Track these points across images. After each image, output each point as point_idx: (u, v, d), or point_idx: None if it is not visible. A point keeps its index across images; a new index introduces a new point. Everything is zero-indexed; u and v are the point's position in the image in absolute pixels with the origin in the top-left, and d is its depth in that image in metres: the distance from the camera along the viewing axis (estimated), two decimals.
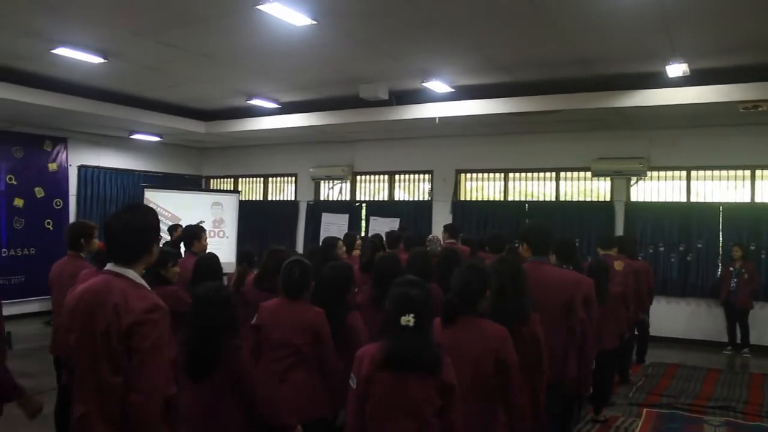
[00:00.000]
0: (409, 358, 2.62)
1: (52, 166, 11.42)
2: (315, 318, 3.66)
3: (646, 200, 10.30)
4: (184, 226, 8.07)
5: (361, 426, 2.71)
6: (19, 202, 10.85)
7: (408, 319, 2.65)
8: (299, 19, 5.97)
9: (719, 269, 9.57)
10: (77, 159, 11.88)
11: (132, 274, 2.44)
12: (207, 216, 11.77)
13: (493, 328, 3.03)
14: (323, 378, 3.65)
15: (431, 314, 2.79)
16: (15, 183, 10.80)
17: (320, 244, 6.98)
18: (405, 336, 2.65)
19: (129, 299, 2.34)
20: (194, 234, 6.33)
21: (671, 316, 9.74)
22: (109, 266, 2.46)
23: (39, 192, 11.17)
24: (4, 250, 10.60)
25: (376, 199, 12.57)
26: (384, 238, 7.65)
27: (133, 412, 2.29)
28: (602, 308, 5.26)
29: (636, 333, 7.71)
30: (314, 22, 6.07)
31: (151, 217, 2.57)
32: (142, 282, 2.45)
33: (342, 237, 7.19)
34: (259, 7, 5.67)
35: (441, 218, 11.35)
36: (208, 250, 6.01)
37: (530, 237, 4.20)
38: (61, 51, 7.30)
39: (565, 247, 4.48)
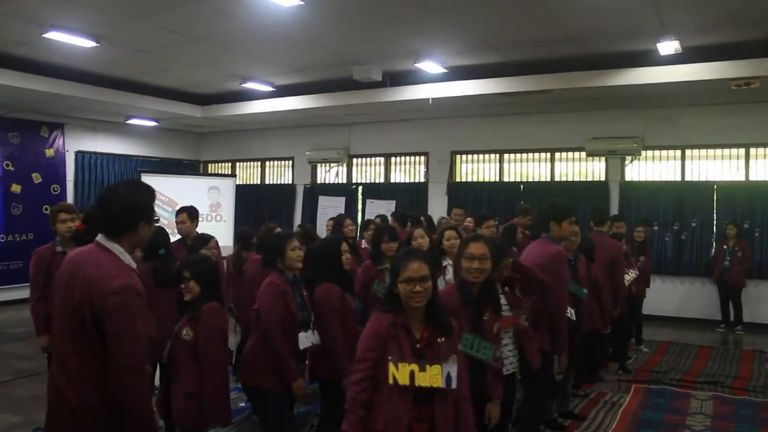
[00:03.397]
0: None
1: (49, 152, 11.46)
2: (262, 289, 3.80)
3: (640, 179, 10.31)
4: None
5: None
6: (16, 188, 10.91)
7: None
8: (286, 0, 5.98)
9: (713, 248, 9.60)
10: (74, 144, 11.93)
11: (118, 249, 2.44)
12: (204, 200, 11.81)
13: None
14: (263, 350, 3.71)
15: None
16: (12, 169, 10.86)
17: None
18: None
19: (102, 277, 2.35)
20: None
21: (666, 295, 9.76)
22: (99, 237, 2.47)
23: (36, 178, 11.23)
24: (2, 236, 10.68)
25: (373, 181, 12.61)
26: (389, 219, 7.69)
27: (121, 397, 2.33)
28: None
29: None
30: (301, 3, 6.08)
31: (140, 195, 2.52)
32: (126, 259, 2.45)
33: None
34: None
35: (437, 200, 11.42)
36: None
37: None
38: (53, 35, 7.31)
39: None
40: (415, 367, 2.58)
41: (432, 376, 2.58)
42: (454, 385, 2.59)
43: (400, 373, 2.59)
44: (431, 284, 2.67)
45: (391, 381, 2.59)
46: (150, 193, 2.56)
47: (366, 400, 2.63)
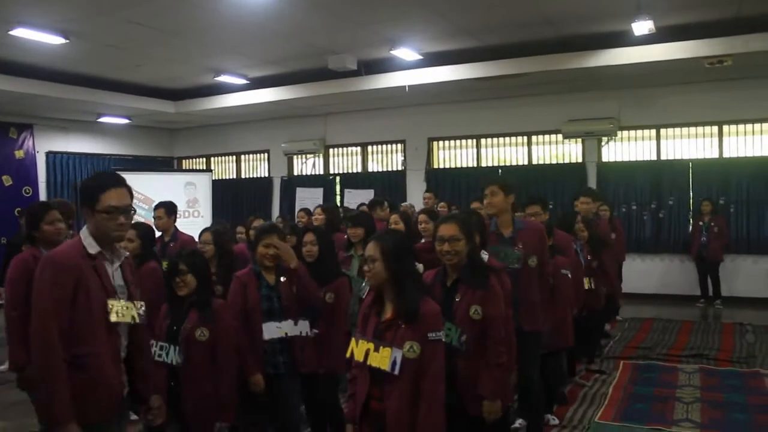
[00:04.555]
0: None
1: (19, 154, 11.22)
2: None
3: (617, 160, 10.41)
4: None
5: None
6: None
7: None
8: None
9: (690, 225, 9.74)
10: (44, 145, 11.70)
11: (83, 232, 2.52)
12: (180, 197, 11.67)
13: None
14: None
15: None
16: None
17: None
18: None
19: None
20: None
21: (645, 273, 9.90)
22: None
23: (7, 180, 11.00)
24: None
25: (350, 171, 12.56)
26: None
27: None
28: None
29: None
30: None
31: (88, 180, 2.61)
32: (87, 242, 2.49)
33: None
34: None
35: (415, 187, 11.41)
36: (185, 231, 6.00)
37: None
38: (20, 32, 7.12)
39: None
40: (371, 345, 2.64)
41: (382, 358, 2.60)
42: (396, 371, 2.56)
43: (358, 349, 2.68)
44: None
45: (348, 355, 2.72)
46: (99, 181, 2.53)
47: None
